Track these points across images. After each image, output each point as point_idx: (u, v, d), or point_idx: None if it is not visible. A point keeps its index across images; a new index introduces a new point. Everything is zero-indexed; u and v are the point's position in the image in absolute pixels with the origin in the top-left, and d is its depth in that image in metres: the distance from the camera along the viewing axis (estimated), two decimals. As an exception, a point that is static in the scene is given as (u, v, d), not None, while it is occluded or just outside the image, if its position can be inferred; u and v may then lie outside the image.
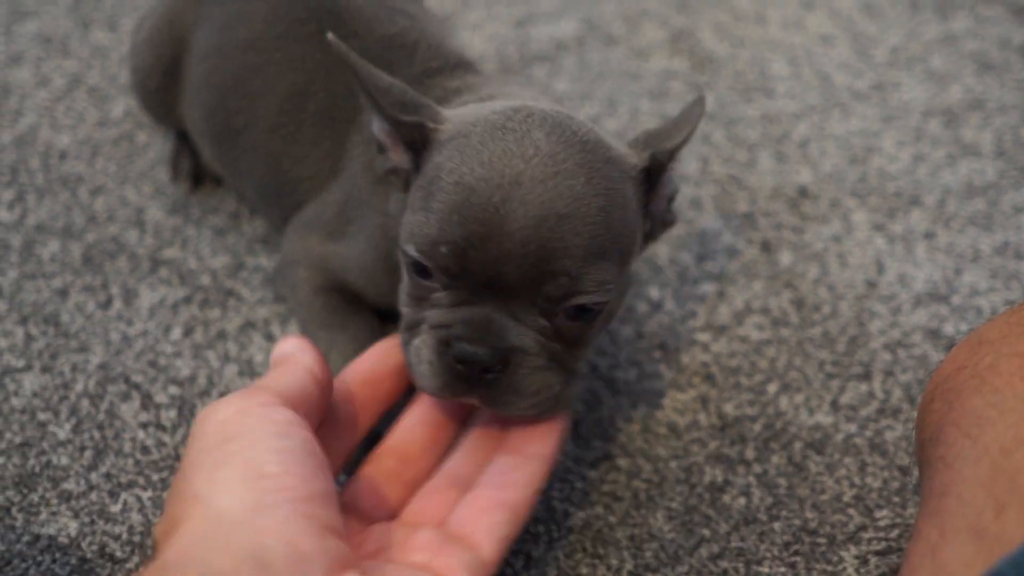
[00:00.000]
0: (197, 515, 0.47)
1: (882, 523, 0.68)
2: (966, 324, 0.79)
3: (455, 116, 0.61)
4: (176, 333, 0.78)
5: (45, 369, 0.76)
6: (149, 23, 0.83)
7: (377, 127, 0.63)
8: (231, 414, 0.51)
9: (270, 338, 0.78)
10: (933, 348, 0.78)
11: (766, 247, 0.84)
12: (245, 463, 0.48)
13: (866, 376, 0.76)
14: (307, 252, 0.74)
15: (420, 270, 0.58)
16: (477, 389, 0.58)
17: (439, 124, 0.60)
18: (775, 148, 0.92)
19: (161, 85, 0.82)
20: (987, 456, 0.51)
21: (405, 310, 0.62)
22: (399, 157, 0.63)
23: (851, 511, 0.69)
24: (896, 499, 0.69)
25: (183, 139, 0.88)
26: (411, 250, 0.57)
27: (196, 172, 0.87)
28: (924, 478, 0.58)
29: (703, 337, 0.79)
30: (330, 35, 0.61)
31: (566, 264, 0.56)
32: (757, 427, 0.73)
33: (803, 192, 0.88)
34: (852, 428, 0.73)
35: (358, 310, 0.75)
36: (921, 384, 0.76)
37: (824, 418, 0.74)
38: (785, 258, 0.84)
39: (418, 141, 0.60)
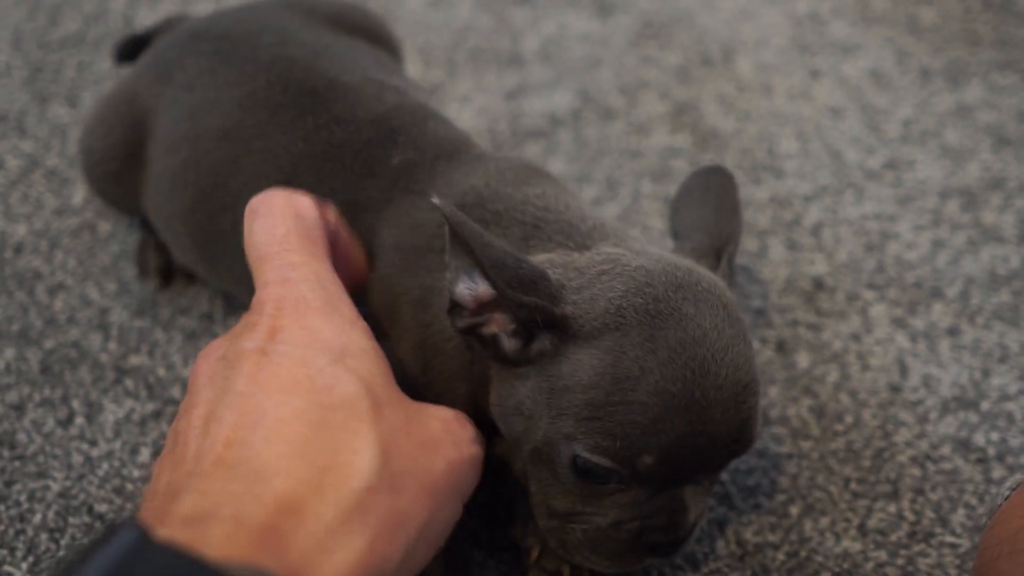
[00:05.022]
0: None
1: (920, 667, 0.63)
2: (997, 433, 0.74)
3: (578, 297, 0.56)
4: (145, 455, 0.71)
5: (0, 498, 0.69)
6: (103, 100, 0.76)
7: (463, 288, 0.56)
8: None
9: (248, 459, 0.71)
10: (964, 461, 0.72)
11: (781, 347, 0.79)
12: None
13: (894, 495, 0.71)
14: None
15: (600, 476, 0.56)
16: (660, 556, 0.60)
17: (564, 307, 0.55)
18: (787, 235, 0.86)
19: (119, 169, 0.74)
20: None
21: (554, 500, 0.59)
22: (495, 327, 0.57)
23: (886, 653, 0.63)
24: (933, 639, 0.64)
25: (149, 229, 0.81)
26: (603, 462, 0.55)
27: (165, 267, 0.80)
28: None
29: (718, 452, 0.73)
30: (435, 199, 0.55)
31: (757, 429, 0.58)
32: (780, 555, 0.68)
33: (819, 284, 0.82)
34: (882, 555, 0.68)
35: None
36: (953, 503, 0.70)
37: (852, 544, 0.68)
38: (803, 360, 0.78)
39: (540, 325, 0.55)
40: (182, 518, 0.42)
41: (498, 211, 0.62)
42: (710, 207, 0.66)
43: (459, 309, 0.57)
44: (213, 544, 0.41)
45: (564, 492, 0.58)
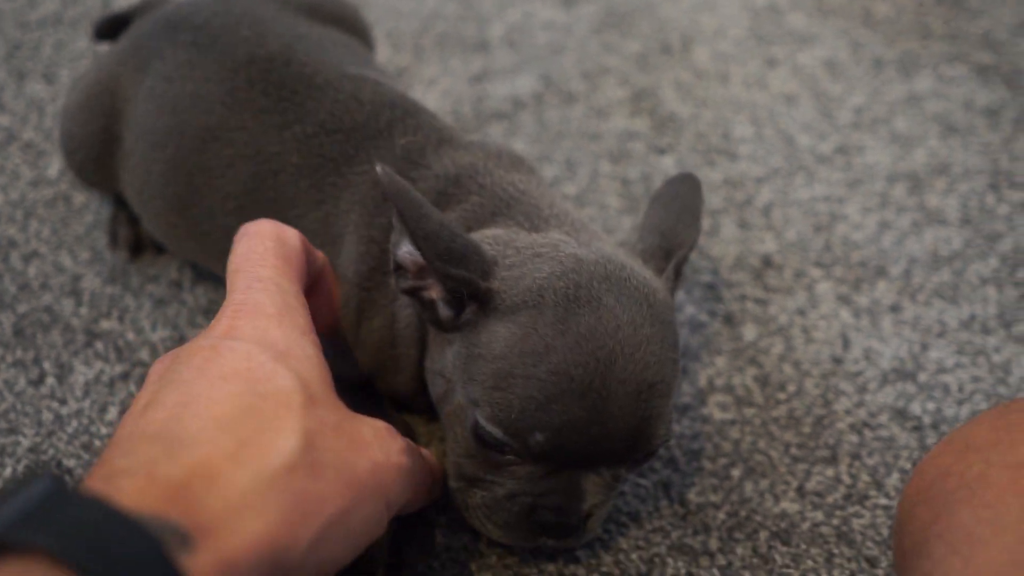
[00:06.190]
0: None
1: (850, 620, 0.66)
2: (933, 403, 0.77)
3: (507, 274, 0.58)
4: (112, 413, 0.74)
5: (-30, 453, 0.72)
6: (84, 85, 0.78)
7: (404, 251, 0.60)
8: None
9: (212, 419, 0.74)
10: (900, 429, 0.76)
11: (729, 320, 0.82)
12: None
13: (832, 460, 0.74)
14: None
15: (495, 446, 0.58)
16: (551, 538, 0.61)
17: (491, 282, 0.58)
18: (738, 214, 0.89)
19: (99, 154, 0.77)
20: None
21: (462, 462, 0.61)
22: (433, 293, 0.60)
23: (818, 606, 0.67)
24: (865, 593, 0.67)
25: (121, 204, 0.83)
26: (496, 432, 0.57)
27: (135, 240, 0.83)
28: (904, 591, 0.55)
29: (665, 417, 0.76)
30: (379, 167, 0.58)
31: (659, 430, 0.58)
32: (721, 515, 0.71)
33: (767, 262, 0.86)
34: (819, 516, 0.71)
35: (380, 399, 0.72)
36: (888, 468, 0.73)
37: (790, 505, 0.71)
38: (749, 332, 0.81)
39: (466, 296, 0.58)
40: (100, 476, 0.44)
41: (484, 184, 0.66)
42: (672, 212, 0.68)
43: (402, 271, 0.60)
44: (123, 496, 0.42)
45: (470, 457, 0.60)
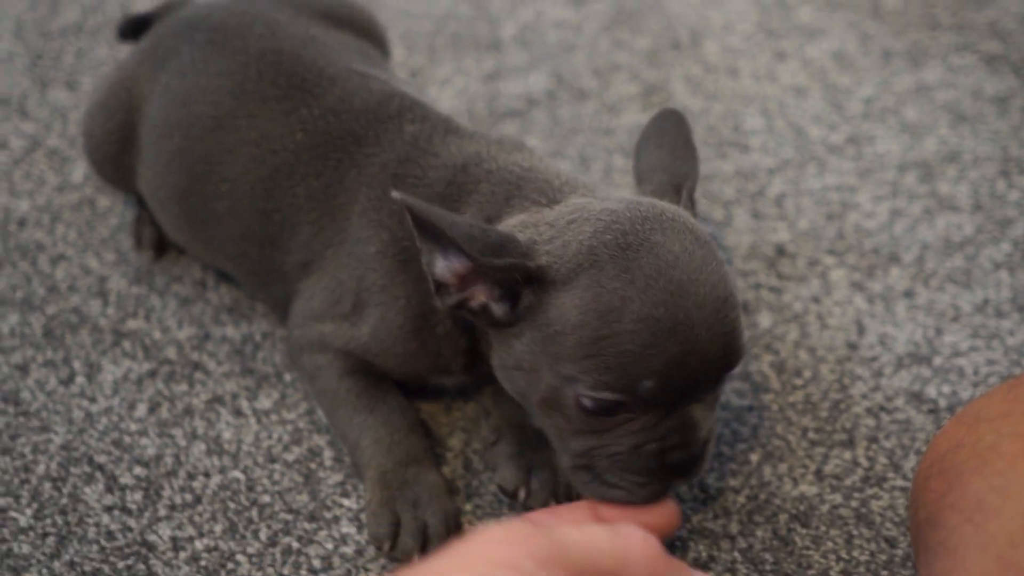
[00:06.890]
0: None
1: (871, 599, 0.67)
2: (948, 386, 0.78)
3: (551, 247, 0.60)
4: (141, 410, 0.76)
5: (5, 451, 0.73)
6: (104, 85, 0.81)
7: (441, 267, 0.61)
8: None
9: (239, 413, 0.75)
10: (916, 412, 0.77)
11: (744, 308, 0.83)
12: None
13: (850, 443, 0.75)
14: (323, 338, 0.71)
15: (607, 409, 0.59)
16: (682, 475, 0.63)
17: (539, 259, 0.59)
18: (751, 205, 0.90)
19: (118, 152, 0.79)
20: (993, 546, 0.50)
21: (573, 442, 0.62)
22: (481, 297, 0.61)
23: (839, 586, 0.68)
24: (884, 573, 0.68)
25: (144, 205, 0.85)
26: (606, 395, 0.58)
27: (159, 240, 0.85)
28: (921, 562, 0.57)
29: (684, 405, 0.77)
30: (395, 193, 0.60)
31: (743, 341, 0.61)
32: (740, 499, 0.72)
33: (780, 250, 0.87)
34: (837, 498, 0.72)
35: (386, 390, 0.72)
36: (905, 450, 0.74)
37: (808, 488, 0.72)
38: (764, 320, 0.82)
39: (519, 282, 0.59)
40: None
41: (491, 170, 0.68)
42: (666, 148, 0.71)
43: (444, 288, 0.61)
44: None
45: (578, 433, 0.61)
